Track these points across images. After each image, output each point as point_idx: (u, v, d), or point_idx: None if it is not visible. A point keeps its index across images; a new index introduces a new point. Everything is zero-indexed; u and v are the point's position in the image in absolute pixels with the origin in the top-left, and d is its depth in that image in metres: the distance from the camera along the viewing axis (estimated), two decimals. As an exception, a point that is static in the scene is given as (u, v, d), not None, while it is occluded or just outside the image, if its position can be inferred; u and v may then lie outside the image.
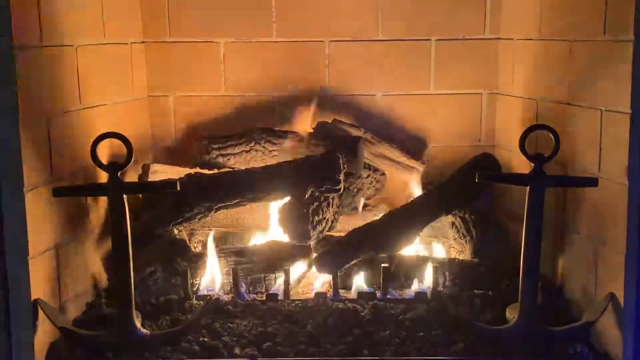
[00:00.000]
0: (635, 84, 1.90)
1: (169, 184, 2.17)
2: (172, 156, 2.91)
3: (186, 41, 2.89)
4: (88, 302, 2.35)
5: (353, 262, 2.44)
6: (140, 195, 2.55)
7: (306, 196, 2.47)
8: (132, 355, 2.06)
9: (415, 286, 2.44)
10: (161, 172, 2.68)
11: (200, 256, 2.48)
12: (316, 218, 2.47)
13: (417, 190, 2.83)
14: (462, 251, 2.66)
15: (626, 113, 1.93)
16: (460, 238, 2.65)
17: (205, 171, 2.66)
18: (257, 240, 2.66)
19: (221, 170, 2.71)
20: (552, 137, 2.07)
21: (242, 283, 2.42)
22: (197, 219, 2.51)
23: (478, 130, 2.96)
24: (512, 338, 2.08)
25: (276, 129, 2.83)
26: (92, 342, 2.08)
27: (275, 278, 2.44)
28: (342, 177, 2.49)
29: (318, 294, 2.35)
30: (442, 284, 2.41)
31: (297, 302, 2.31)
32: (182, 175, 2.51)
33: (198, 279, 2.43)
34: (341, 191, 2.53)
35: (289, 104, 2.89)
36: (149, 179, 2.65)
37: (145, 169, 2.70)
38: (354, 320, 2.19)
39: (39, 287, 2.03)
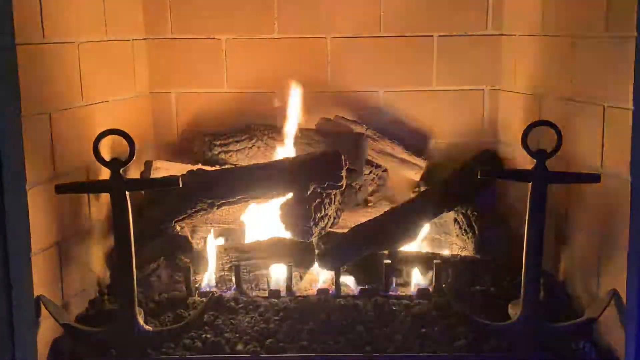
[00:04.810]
0: (638, 79, 1.89)
1: (171, 180, 2.17)
2: (174, 153, 2.91)
3: (188, 38, 2.89)
4: (91, 298, 2.35)
5: (355, 258, 2.45)
6: (143, 192, 2.55)
7: (308, 193, 2.47)
8: (135, 351, 2.06)
9: (417, 283, 2.44)
10: (163, 169, 2.68)
11: (202, 253, 2.49)
12: (318, 215, 2.47)
13: (419, 187, 2.83)
14: (464, 247, 2.66)
15: (628, 109, 1.92)
16: (463, 234, 2.65)
17: (208, 168, 2.66)
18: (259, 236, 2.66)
19: (223, 167, 2.71)
20: (555, 133, 2.07)
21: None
22: (199, 216, 2.51)
23: (480, 126, 2.95)
24: (515, 334, 2.08)
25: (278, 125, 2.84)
26: (95, 339, 2.09)
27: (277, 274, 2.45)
28: (344, 173, 2.49)
29: (320, 291, 2.35)
30: (444, 280, 2.41)
31: (299, 298, 2.32)
32: (185, 172, 2.51)
33: (200, 275, 2.44)
34: (343, 188, 2.53)
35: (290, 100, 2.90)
36: (151, 176, 2.66)
37: (148, 166, 2.70)
38: (356, 316, 2.19)
39: (41, 283, 2.03)
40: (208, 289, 2.39)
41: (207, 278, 2.44)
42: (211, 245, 2.50)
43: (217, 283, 2.45)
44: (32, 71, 1.99)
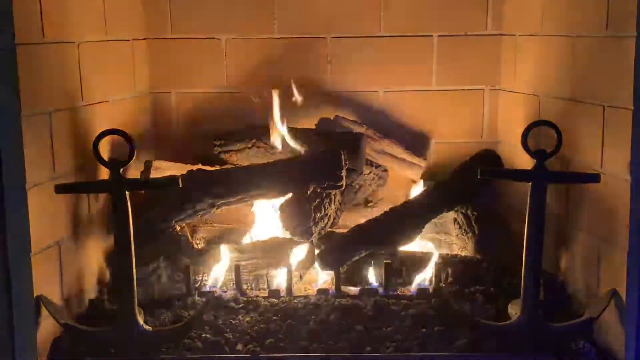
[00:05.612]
0: (638, 80, 1.89)
1: (171, 180, 2.17)
2: (174, 153, 2.91)
3: (188, 38, 2.89)
4: (91, 298, 2.35)
5: (355, 258, 2.45)
6: (143, 192, 2.55)
7: (308, 193, 2.47)
8: (135, 351, 2.06)
9: (417, 283, 2.44)
10: (163, 169, 2.68)
11: (203, 252, 2.49)
12: (318, 214, 2.47)
13: (419, 187, 2.83)
14: (464, 247, 2.66)
15: (628, 109, 1.92)
16: (463, 234, 2.65)
17: (208, 168, 2.66)
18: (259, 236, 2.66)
19: (223, 167, 2.71)
20: (555, 133, 2.07)
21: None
22: (199, 216, 2.51)
23: (480, 126, 2.95)
24: (515, 334, 2.08)
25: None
26: (95, 339, 2.09)
27: (277, 274, 2.45)
28: (344, 173, 2.49)
29: (320, 291, 2.35)
30: (444, 280, 2.41)
31: (299, 298, 2.32)
32: (184, 172, 2.51)
33: (202, 275, 2.44)
34: (343, 187, 2.53)
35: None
36: (151, 176, 2.65)
37: (148, 166, 2.70)
38: (356, 316, 2.19)
39: (41, 283, 2.03)
40: (209, 289, 2.40)
41: (213, 277, 2.45)
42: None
43: (216, 283, 2.45)
44: (32, 71, 1.99)
